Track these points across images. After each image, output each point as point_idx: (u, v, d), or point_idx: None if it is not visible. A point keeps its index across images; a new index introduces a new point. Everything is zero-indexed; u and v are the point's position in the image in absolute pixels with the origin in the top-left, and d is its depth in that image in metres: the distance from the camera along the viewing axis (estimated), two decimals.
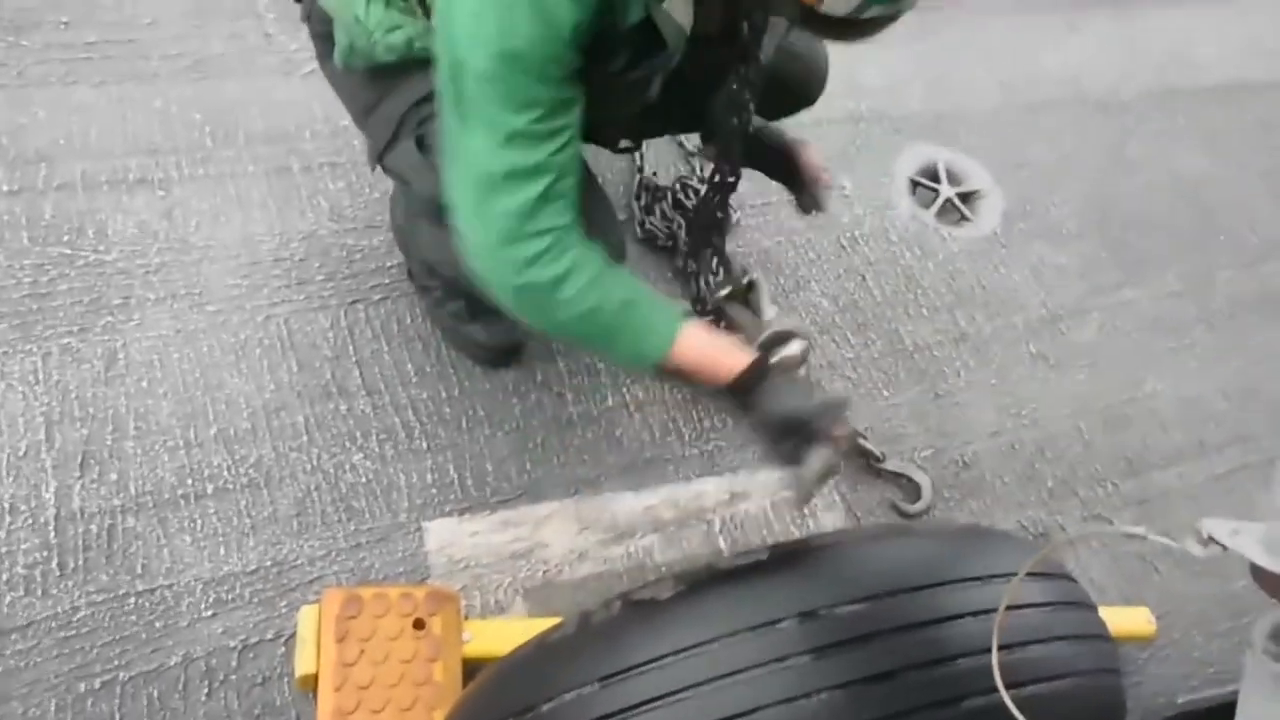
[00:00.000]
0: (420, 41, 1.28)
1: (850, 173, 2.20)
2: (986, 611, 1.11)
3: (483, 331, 1.70)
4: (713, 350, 1.22)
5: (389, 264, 1.78)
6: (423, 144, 1.35)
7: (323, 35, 1.42)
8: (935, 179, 2.29)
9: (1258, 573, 0.80)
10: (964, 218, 2.25)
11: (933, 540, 1.30)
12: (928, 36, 2.51)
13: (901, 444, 1.84)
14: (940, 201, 2.26)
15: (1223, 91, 2.72)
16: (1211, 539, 0.76)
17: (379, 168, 1.44)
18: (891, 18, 1.10)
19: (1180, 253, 2.34)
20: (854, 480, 1.77)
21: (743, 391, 1.21)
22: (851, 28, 1.09)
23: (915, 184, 2.27)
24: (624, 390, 1.76)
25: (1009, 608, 1.10)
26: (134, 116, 1.82)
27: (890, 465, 1.80)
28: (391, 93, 1.36)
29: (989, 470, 1.86)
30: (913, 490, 1.79)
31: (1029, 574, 1.17)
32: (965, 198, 2.28)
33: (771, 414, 1.20)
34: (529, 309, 1.18)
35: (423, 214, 1.46)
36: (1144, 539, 0.82)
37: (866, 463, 1.79)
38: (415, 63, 1.30)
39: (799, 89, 1.67)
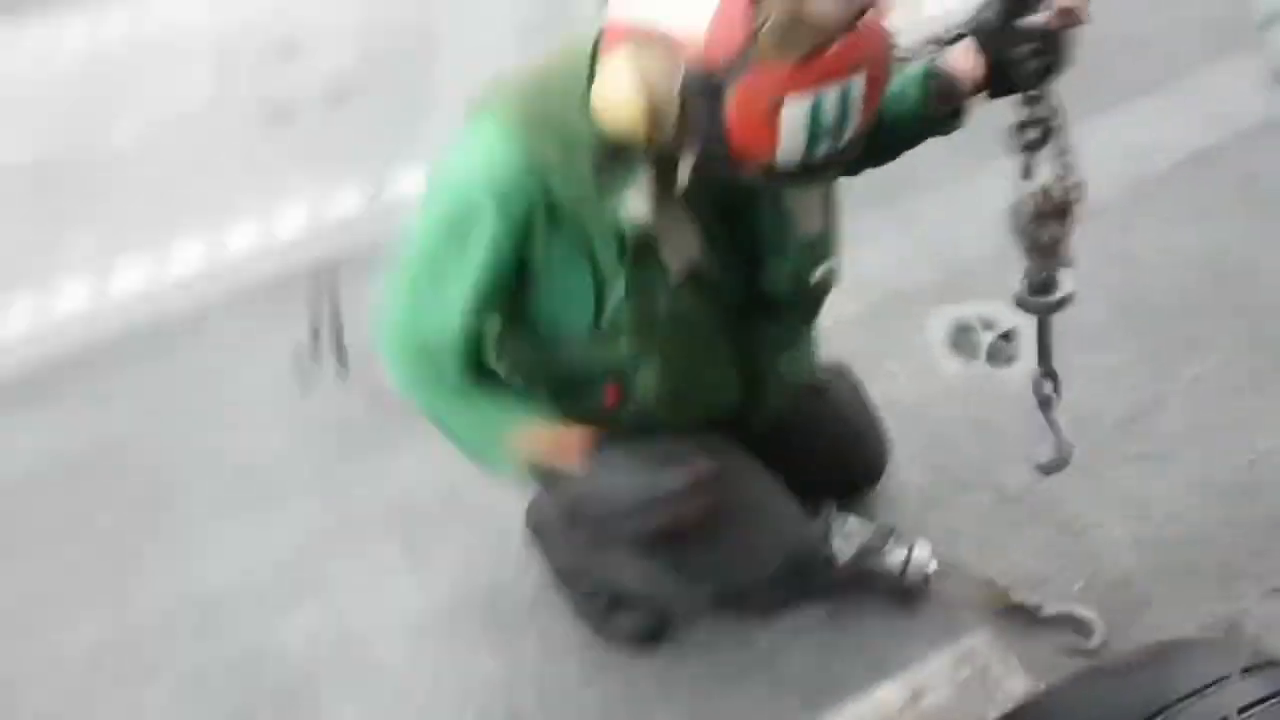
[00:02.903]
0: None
1: (891, 355, 2.24)
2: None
3: (627, 620, 1.72)
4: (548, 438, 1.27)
5: (525, 586, 1.83)
6: None
7: None
8: (970, 331, 2.34)
9: None
10: (1011, 356, 2.27)
11: (1132, 672, 1.25)
12: (908, 205, 2.62)
13: (1051, 587, 1.76)
14: (984, 349, 2.28)
15: (1190, 164, 2.78)
16: None
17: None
18: (842, 155, 1.07)
19: (1217, 319, 2.30)
20: (1021, 638, 1.69)
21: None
22: (805, 175, 1.07)
23: (953, 343, 2.31)
24: (771, 629, 1.73)
25: (1240, 710, 1.05)
26: (272, 536, 1.95)
27: (1051, 611, 1.71)
28: None
29: (1147, 581, 1.76)
30: (1083, 628, 1.70)
31: (1243, 670, 1.11)
32: (1005, 338, 2.31)
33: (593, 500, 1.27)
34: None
35: (626, 548, 1.50)
36: None
37: (1026, 617, 1.71)
38: None
39: (864, 470, 1.81)
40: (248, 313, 2.44)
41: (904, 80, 1.29)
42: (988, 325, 2.35)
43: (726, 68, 0.96)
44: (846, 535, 1.75)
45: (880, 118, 1.09)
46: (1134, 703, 1.13)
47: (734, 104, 0.98)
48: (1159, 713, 1.09)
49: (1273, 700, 1.11)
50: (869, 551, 1.74)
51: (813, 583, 1.58)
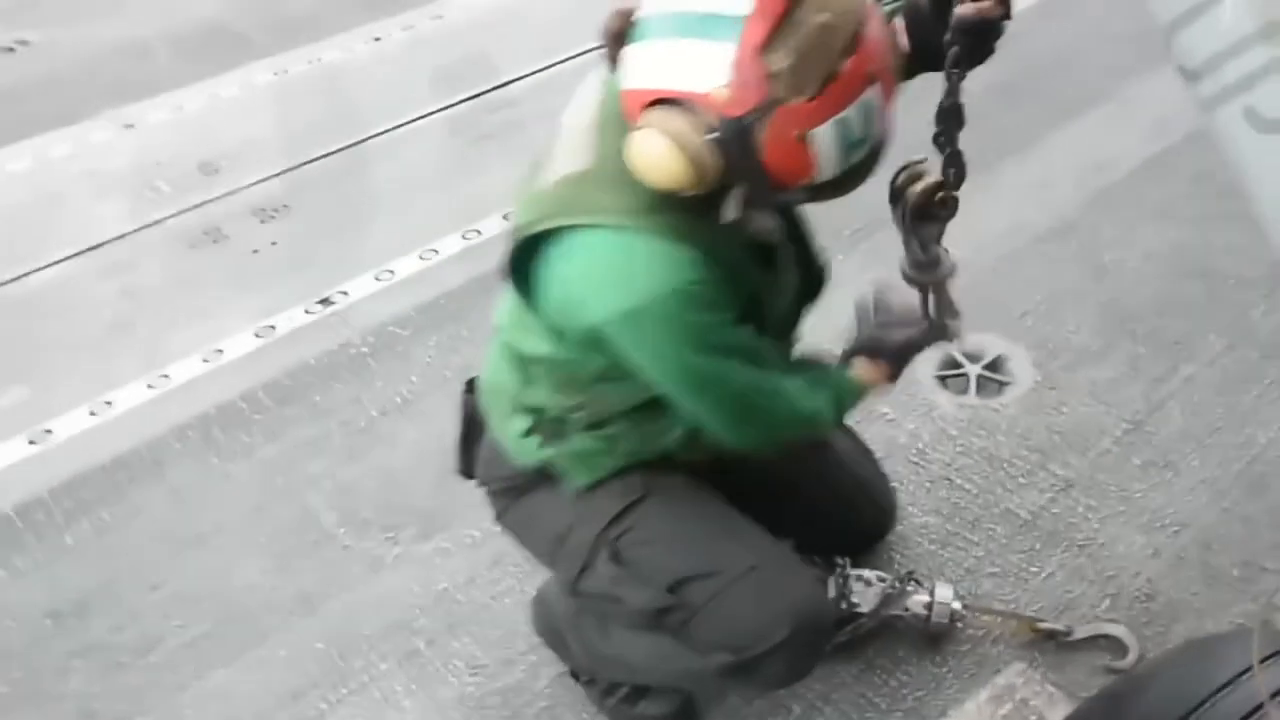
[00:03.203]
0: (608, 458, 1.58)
1: (885, 400, 2.41)
2: (1254, 711, 1.19)
3: (652, 706, 1.82)
4: (877, 376, 1.64)
5: (540, 684, 1.93)
6: (619, 559, 1.55)
7: (502, 491, 1.69)
8: (957, 365, 2.52)
9: None
10: (1003, 384, 2.46)
11: (1161, 675, 1.39)
12: (872, 246, 2.81)
13: (1077, 608, 1.92)
14: (973, 381, 2.47)
15: (1143, 171, 3.05)
16: None
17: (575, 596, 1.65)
18: (874, 157, 1.30)
19: (1205, 315, 2.54)
20: (1056, 665, 1.83)
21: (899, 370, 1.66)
22: (847, 180, 1.30)
23: (942, 379, 2.49)
24: (802, 693, 1.85)
25: (1275, 694, 1.18)
26: (269, 676, 2.02)
27: (1080, 633, 1.86)
28: (580, 522, 1.58)
29: (1171, 590, 1.93)
30: (1116, 646, 1.85)
31: (1269, 657, 1.25)
32: (993, 367, 2.50)
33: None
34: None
35: (631, 625, 1.62)
36: None
37: (1057, 643, 1.86)
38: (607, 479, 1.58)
39: (873, 518, 2.01)
40: (203, 443, 2.55)
41: None
42: (973, 358, 2.54)
43: (751, 116, 1.19)
44: (866, 587, 1.89)
45: None
46: (1167, 704, 1.27)
47: (766, 145, 1.21)
48: (1193, 710, 1.23)
49: None
50: (891, 600, 1.88)
51: (823, 645, 1.69)
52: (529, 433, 1.59)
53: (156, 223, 3.34)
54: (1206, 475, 2.13)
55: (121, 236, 3.30)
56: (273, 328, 2.86)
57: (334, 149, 3.56)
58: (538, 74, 3.88)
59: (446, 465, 2.34)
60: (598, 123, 1.38)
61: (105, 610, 2.19)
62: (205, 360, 2.79)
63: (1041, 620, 1.88)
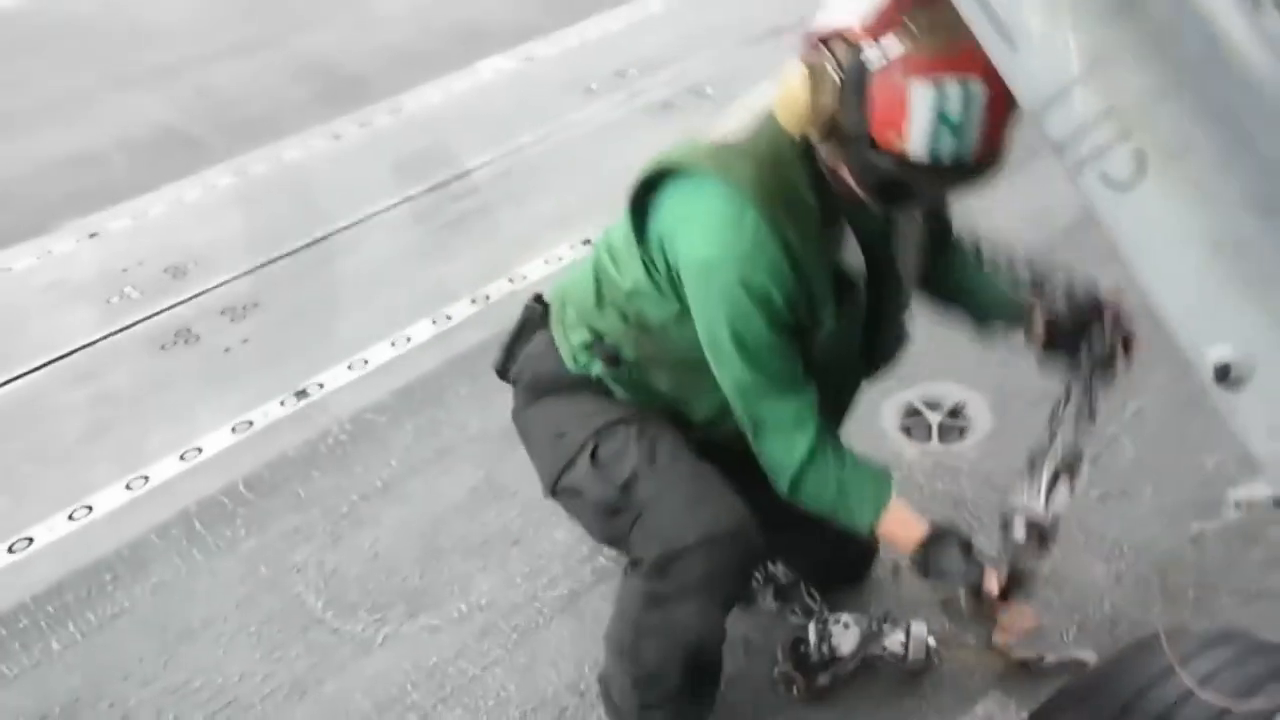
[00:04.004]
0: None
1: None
2: (1188, 694, 1.36)
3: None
4: (900, 527, 1.75)
5: None
6: (595, 457, 1.77)
7: (530, 386, 1.92)
8: (918, 414, 2.72)
9: None
10: (964, 430, 2.66)
11: (1100, 676, 1.59)
12: None
13: (1047, 637, 2.09)
14: (935, 429, 2.67)
15: (1083, 218, 3.29)
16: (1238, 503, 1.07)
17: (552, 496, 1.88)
18: (969, 170, 1.45)
19: (1150, 350, 2.74)
20: (1030, 693, 1.98)
21: (918, 561, 1.75)
22: (937, 176, 1.44)
23: (906, 429, 2.69)
24: None
25: (1203, 680, 1.36)
26: None
27: (1051, 660, 2.03)
28: (577, 425, 1.82)
29: (1134, 613, 2.11)
30: (1084, 670, 2.00)
31: (1200, 648, 1.44)
32: (953, 414, 2.70)
33: (933, 575, 1.75)
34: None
35: (591, 524, 1.88)
36: None
37: (1030, 671, 2.02)
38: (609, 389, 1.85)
39: (856, 554, 2.22)
40: (185, 539, 2.68)
41: (1011, 285, 2.01)
42: (933, 406, 2.74)
43: (874, 52, 1.38)
44: (844, 630, 2.05)
45: (975, 287, 2.01)
46: (1105, 702, 1.45)
47: (875, 82, 1.39)
48: (1130, 702, 1.41)
49: (1232, 665, 1.44)
50: (869, 641, 2.05)
51: (743, 568, 1.85)
52: (587, 347, 1.83)
53: (126, 328, 3.51)
54: (1160, 502, 2.32)
55: (91, 343, 3.46)
56: (250, 423, 3.02)
57: (300, 245, 3.77)
58: (497, 161, 4.13)
59: (430, 545, 2.56)
60: (764, 111, 1.61)
61: (96, 710, 2.29)
62: (183, 459, 2.94)
63: (1013, 651, 2.04)
